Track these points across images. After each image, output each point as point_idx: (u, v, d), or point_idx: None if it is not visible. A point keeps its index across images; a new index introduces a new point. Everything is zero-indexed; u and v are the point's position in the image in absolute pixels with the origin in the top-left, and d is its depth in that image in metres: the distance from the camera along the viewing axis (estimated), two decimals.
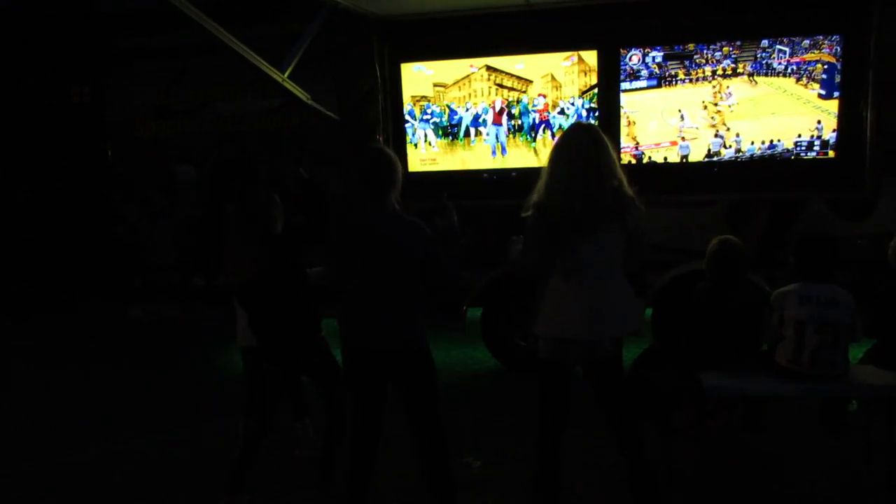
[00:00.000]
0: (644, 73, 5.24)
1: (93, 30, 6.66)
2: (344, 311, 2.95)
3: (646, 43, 5.21)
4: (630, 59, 5.25)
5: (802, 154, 5.11)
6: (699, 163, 5.28)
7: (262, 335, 3.43)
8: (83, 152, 8.35)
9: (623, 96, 5.32)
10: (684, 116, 5.24)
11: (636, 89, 5.29)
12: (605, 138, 2.89)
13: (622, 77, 5.29)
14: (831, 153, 5.08)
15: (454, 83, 5.59)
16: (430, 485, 2.99)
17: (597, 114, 5.39)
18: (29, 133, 8.67)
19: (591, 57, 5.35)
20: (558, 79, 5.43)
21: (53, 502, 3.75)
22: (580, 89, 5.40)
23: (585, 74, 5.38)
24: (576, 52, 5.36)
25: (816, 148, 5.09)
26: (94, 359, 6.59)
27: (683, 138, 5.27)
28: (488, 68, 5.50)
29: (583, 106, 5.41)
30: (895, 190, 4.97)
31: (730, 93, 5.13)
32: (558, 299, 2.88)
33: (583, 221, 2.78)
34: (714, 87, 5.14)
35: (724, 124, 5.17)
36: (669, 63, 5.20)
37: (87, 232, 8.51)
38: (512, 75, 5.48)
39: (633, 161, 5.33)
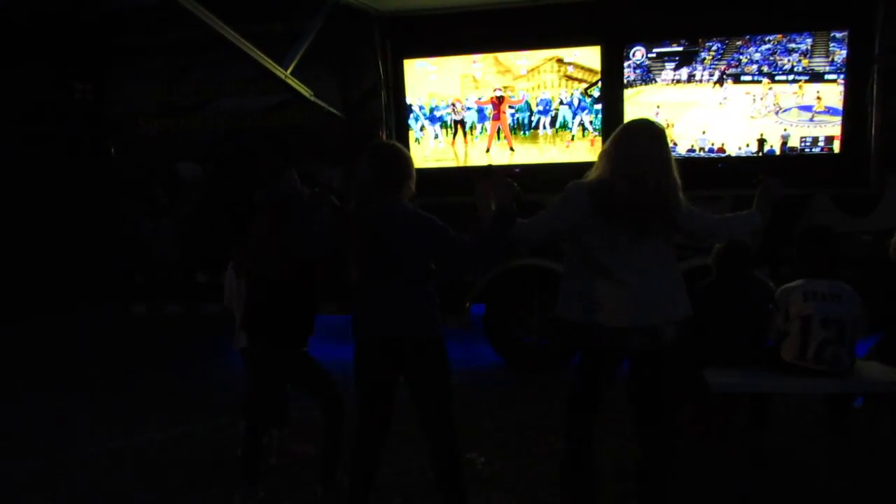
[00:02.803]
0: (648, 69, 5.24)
1: (95, 26, 6.64)
2: (356, 302, 2.95)
3: (650, 39, 5.20)
4: (633, 56, 5.24)
5: (807, 150, 5.10)
6: (703, 158, 5.26)
7: (266, 329, 3.39)
8: (85, 149, 8.34)
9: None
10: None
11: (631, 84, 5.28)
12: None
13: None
14: (836, 149, 5.06)
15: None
16: (441, 482, 2.98)
17: (600, 109, 5.39)
18: (31, 130, 8.66)
19: (594, 53, 5.33)
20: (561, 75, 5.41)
21: (57, 501, 3.76)
22: (584, 86, 5.39)
23: (588, 71, 5.36)
24: (579, 48, 5.35)
25: (821, 144, 5.08)
26: (96, 356, 6.60)
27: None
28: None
29: (587, 102, 5.41)
30: None
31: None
32: (612, 289, 2.78)
33: (642, 215, 2.75)
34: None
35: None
36: (672, 60, 5.18)
37: (90, 229, 8.50)
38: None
39: None
